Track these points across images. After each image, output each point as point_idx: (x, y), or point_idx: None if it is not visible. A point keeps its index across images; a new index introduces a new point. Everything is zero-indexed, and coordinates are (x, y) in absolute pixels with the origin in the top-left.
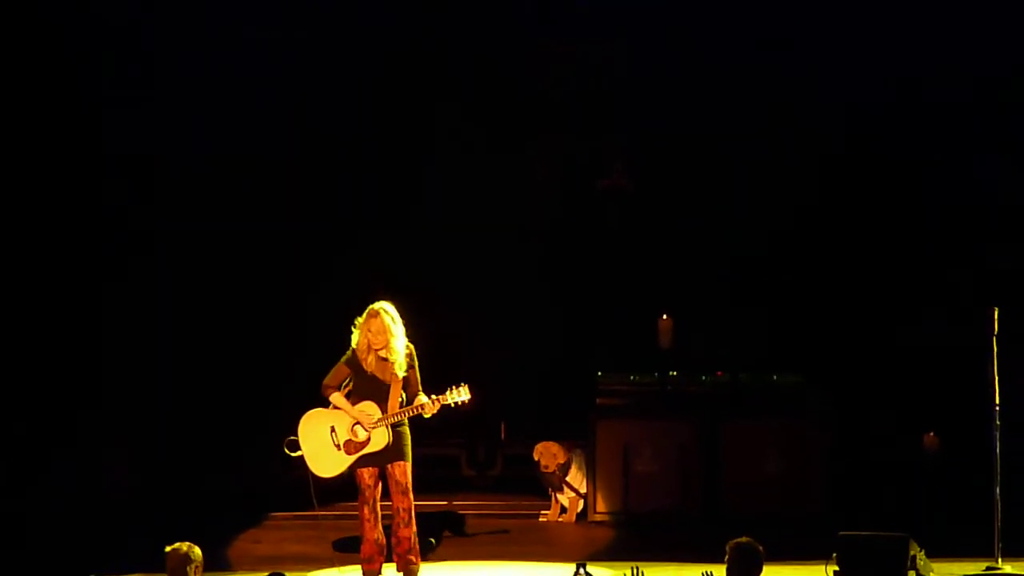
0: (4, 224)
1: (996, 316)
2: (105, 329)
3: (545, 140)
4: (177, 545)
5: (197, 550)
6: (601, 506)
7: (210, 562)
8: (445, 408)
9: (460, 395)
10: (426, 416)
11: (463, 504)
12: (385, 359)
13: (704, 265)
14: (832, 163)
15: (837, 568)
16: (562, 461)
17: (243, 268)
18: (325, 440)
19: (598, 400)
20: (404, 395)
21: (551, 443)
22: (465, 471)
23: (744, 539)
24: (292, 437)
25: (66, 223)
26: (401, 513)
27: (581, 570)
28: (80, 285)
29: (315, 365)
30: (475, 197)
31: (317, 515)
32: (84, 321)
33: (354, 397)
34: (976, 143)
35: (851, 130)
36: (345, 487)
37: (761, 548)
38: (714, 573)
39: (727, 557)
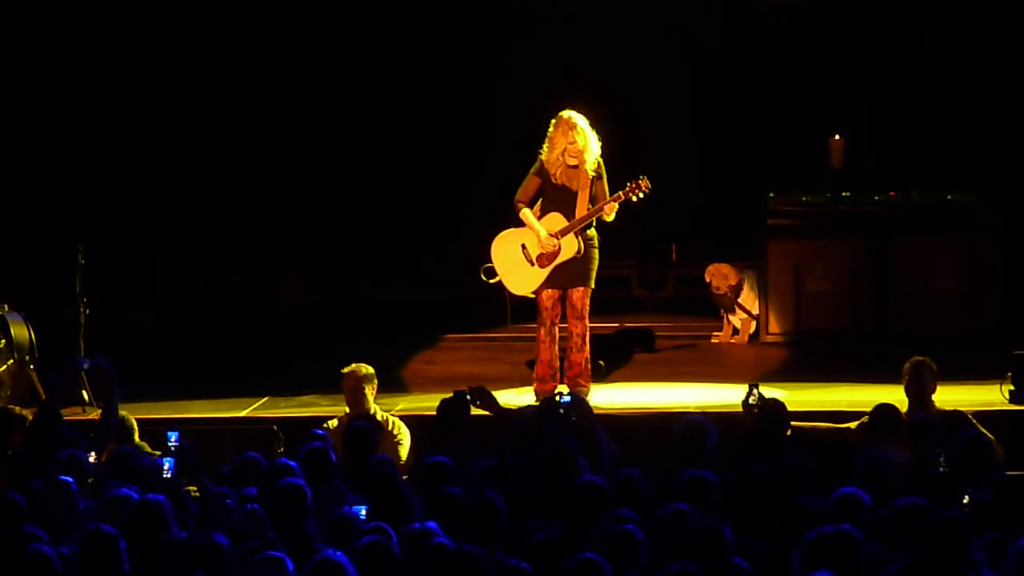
0: None
1: None
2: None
3: None
4: (354, 366)
5: (372, 371)
6: (773, 327)
7: (384, 383)
8: (625, 205)
9: (640, 188)
10: (608, 218)
11: (634, 326)
12: (575, 166)
13: (875, 82)
14: None
15: (1012, 387)
16: (734, 282)
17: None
18: (518, 258)
19: (769, 221)
20: (591, 208)
21: (723, 264)
22: (636, 292)
23: (921, 357)
24: (487, 264)
25: None
26: (575, 338)
27: (755, 390)
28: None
29: (503, 175)
30: (640, 11)
31: (491, 336)
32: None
33: (544, 208)
34: None
35: None
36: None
37: (935, 367)
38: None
39: (905, 374)
